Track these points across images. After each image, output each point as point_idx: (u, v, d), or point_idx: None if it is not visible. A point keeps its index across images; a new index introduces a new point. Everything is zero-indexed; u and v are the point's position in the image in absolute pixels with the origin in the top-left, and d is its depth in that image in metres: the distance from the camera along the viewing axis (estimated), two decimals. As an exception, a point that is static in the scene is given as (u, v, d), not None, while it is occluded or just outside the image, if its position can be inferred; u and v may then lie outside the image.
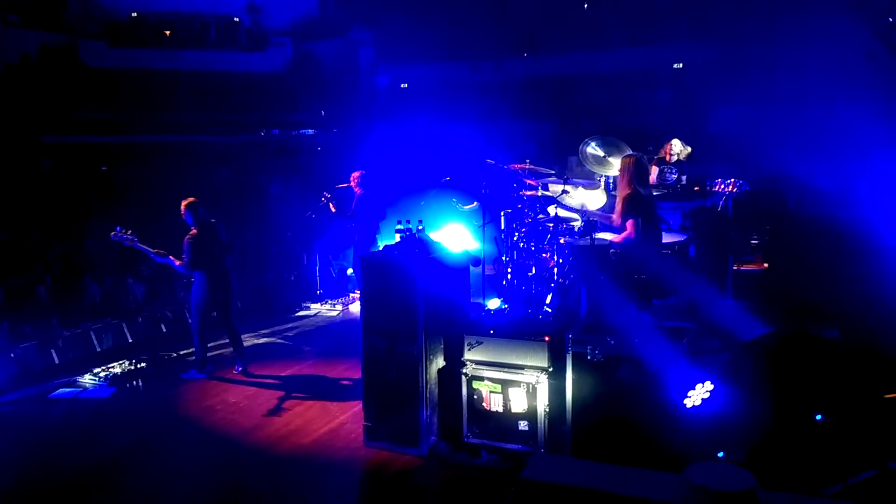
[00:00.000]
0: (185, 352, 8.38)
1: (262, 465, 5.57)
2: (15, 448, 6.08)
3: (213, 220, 7.49)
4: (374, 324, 5.65)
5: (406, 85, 18.23)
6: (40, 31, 15.64)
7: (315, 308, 10.34)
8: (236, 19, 18.06)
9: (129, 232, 7.27)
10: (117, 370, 7.60)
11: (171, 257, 7.25)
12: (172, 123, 15.59)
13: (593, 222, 6.45)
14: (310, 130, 17.29)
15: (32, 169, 13.56)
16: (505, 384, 5.34)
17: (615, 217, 6.31)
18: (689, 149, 8.91)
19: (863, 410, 5.09)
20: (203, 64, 16.92)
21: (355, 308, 9.87)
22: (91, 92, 15.22)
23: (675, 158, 9.09)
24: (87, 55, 16.18)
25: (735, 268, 8.55)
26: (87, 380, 7.42)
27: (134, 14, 17.35)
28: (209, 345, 7.71)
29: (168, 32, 17.59)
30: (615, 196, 7.31)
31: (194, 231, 7.28)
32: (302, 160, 15.73)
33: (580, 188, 7.49)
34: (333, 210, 9.90)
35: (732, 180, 8.86)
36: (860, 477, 4.39)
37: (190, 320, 7.48)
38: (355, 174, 10.09)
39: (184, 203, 7.37)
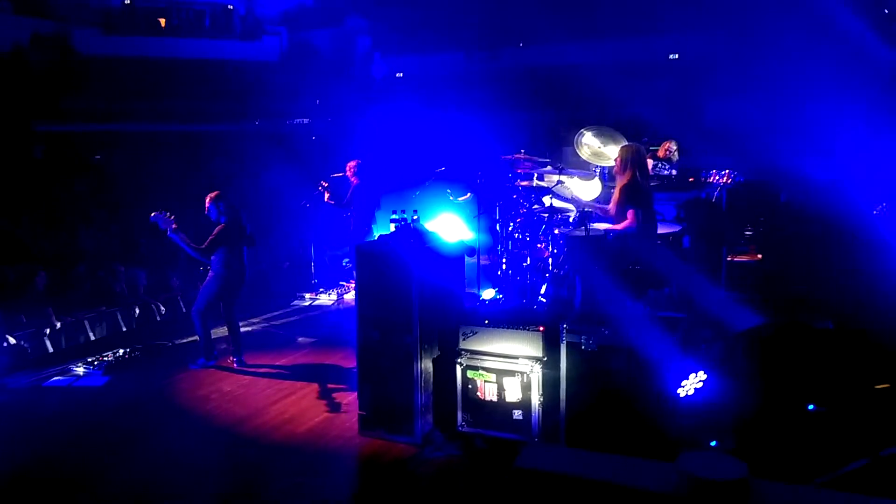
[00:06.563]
0: (180, 341, 8.39)
1: (257, 453, 5.58)
2: (11, 436, 6.07)
3: (240, 212, 7.45)
4: (369, 313, 5.65)
5: (401, 74, 18.21)
6: (32, 17, 15.53)
7: (310, 297, 10.34)
8: (231, 7, 17.97)
9: (169, 214, 7.16)
10: (111, 359, 7.60)
11: (182, 237, 7.09)
12: (166, 112, 15.52)
13: (588, 213, 6.46)
14: (305, 119, 17.24)
15: (25, 158, 13.49)
16: (499, 374, 5.36)
17: (611, 207, 6.32)
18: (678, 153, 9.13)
19: (854, 400, 5.13)
20: (197, 52, 16.85)
21: (350, 297, 9.87)
22: (84, 80, 15.12)
23: (669, 156, 9.14)
24: (79, 43, 16.08)
25: (729, 259, 8.58)
26: (81, 369, 7.42)
27: (127, 1, 17.25)
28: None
29: (162, 20, 17.50)
30: (610, 186, 7.33)
31: (224, 224, 7.25)
32: (297, 149, 15.69)
33: (575, 178, 7.49)
34: (329, 200, 9.88)
35: (727, 171, 8.89)
36: (851, 466, 4.43)
37: (193, 308, 7.42)
38: (351, 164, 10.08)
39: (209, 197, 7.35)
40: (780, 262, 8.29)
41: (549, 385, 5.21)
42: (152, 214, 7.19)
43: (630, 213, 6.02)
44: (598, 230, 6.27)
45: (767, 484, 2.78)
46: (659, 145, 9.41)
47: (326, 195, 9.87)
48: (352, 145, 12.98)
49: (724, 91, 13.25)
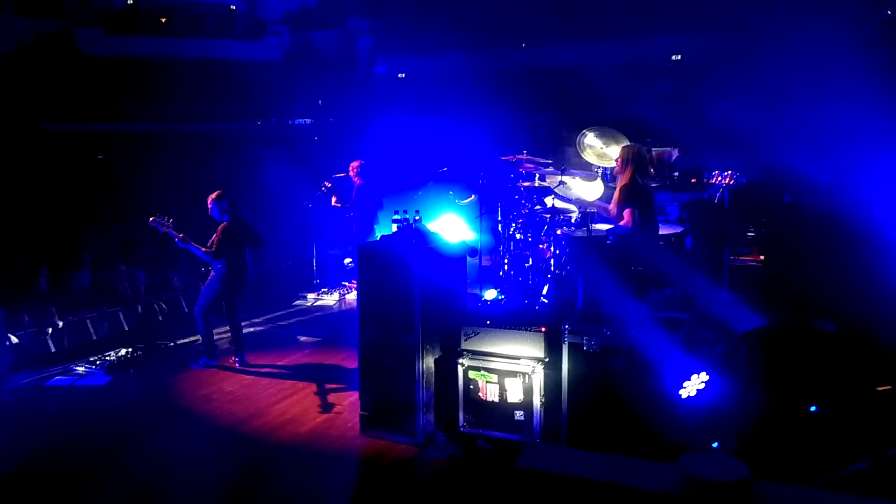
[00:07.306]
0: (182, 341, 8.39)
1: (258, 453, 5.58)
2: (12, 435, 6.08)
3: (243, 214, 7.48)
4: (370, 314, 5.66)
5: (403, 75, 18.23)
6: (36, 17, 15.58)
7: (312, 297, 10.34)
8: (233, 7, 18.02)
9: (167, 219, 7.22)
10: (113, 358, 7.60)
11: (193, 244, 7.21)
12: (168, 112, 15.55)
13: (590, 213, 6.45)
14: (307, 120, 17.25)
15: (28, 157, 13.52)
16: (501, 374, 5.36)
17: (612, 207, 6.32)
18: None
19: (856, 402, 5.13)
20: (200, 52, 16.88)
21: (352, 298, 9.87)
22: (87, 80, 15.16)
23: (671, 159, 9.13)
24: (83, 42, 16.13)
25: (731, 260, 8.56)
26: (83, 368, 7.43)
27: (130, 1, 17.29)
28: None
29: (165, 20, 17.53)
30: (611, 187, 7.32)
31: (226, 223, 7.29)
32: (299, 149, 15.71)
33: (577, 179, 7.48)
34: (336, 203, 9.83)
35: (729, 172, 8.87)
36: (854, 467, 4.42)
37: (195, 308, 7.43)
38: (354, 164, 10.06)
39: (210, 197, 7.37)
40: (782, 264, 8.27)
41: (551, 386, 5.21)
42: (150, 220, 7.23)
43: (627, 213, 6.02)
44: (600, 231, 6.27)
45: (769, 485, 2.78)
46: (661, 146, 9.39)
47: (333, 198, 9.83)
48: (354, 145, 12.99)
49: (727, 92, 13.26)
